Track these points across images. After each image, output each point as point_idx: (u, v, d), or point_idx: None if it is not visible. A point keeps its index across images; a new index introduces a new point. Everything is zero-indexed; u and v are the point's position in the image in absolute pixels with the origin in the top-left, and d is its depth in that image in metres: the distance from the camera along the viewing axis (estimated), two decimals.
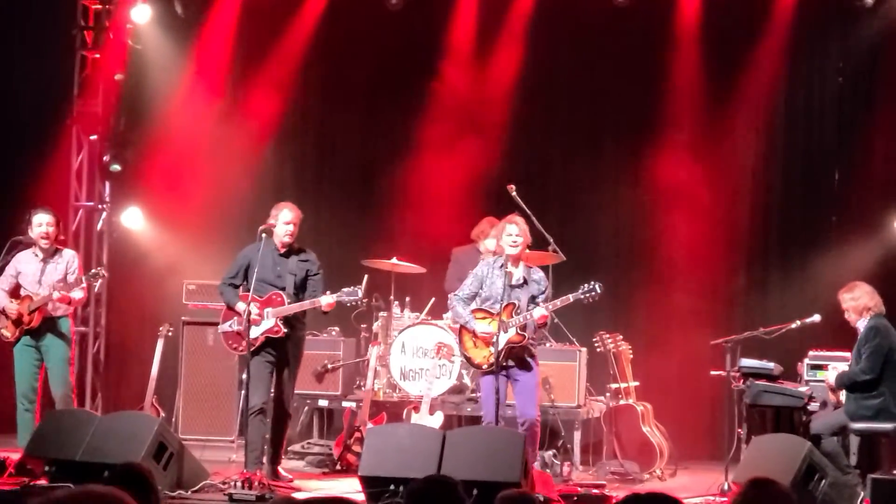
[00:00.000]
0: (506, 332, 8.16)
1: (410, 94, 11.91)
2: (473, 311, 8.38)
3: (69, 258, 9.29)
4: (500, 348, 8.13)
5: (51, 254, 9.21)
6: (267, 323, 8.52)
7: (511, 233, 8.29)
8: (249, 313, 8.37)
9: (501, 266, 8.34)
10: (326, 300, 8.47)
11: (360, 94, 12.16)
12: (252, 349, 8.48)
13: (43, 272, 9.16)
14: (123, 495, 2.38)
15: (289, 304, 8.52)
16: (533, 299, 8.29)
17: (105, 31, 11.60)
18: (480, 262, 10.02)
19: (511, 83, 11.82)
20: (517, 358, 8.27)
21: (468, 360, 8.54)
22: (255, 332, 8.50)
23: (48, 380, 9.11)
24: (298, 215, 8.74)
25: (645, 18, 11.69)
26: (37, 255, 9.20)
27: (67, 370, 9.20)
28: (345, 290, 8.62)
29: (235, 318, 8.62)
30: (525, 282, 8.31)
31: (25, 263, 9.21)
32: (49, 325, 9.11)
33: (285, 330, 8.55)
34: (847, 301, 8.81)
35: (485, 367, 8.30)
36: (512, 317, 8.20)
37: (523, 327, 8.21)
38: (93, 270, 9.49)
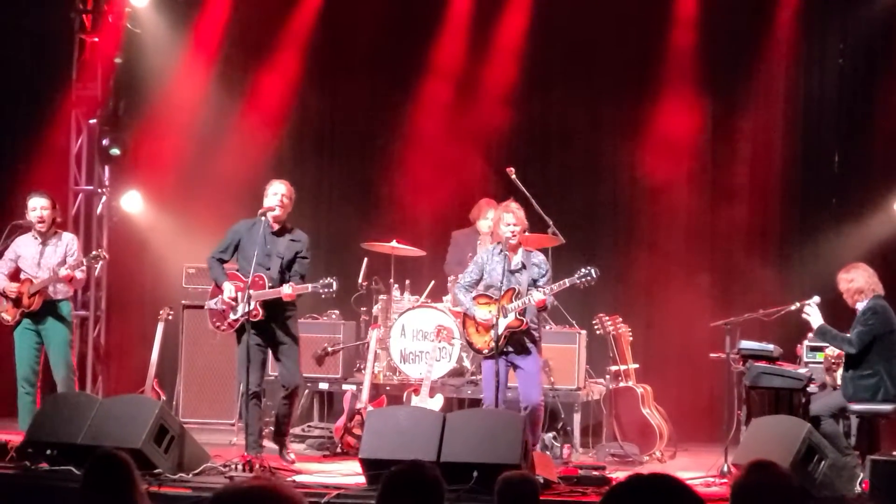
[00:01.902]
0: (505, 316, 8.28)
1: (410, 79, 11.90)
2: (476, 298, 8.52)
3: (68, 241, 9.32)
4: (499, 333, 8.26)
5: (50, 237, 9.23)
6: (246, 306, 8.39)
7: (508, 222, 8.38)
8: (237, 299, 8.39)
9: (500, 252, 8.45)
10: (286, 290, 8.39)
11: (359, 78, 12.14)
12: (235, 330, 8.53)
13: (42, 255, 9.19)
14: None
15: (269, 287, 8.44)
16: (534, 283, 8.39)
17: (103, 15, 11.56)
18: (479, 247, 10.08)
19: (510, 65, 11.81)
20: (518, 343, 8.38)
21: (470, 345, 8.75)
22: (235, 314, 8.50)
23: (49, 363, 9.14)
24: (290, 190, 8.65)
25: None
26: (36, 239, 9.22)
27: (69, 353, 9.24)
28: (320, 281, 8.52)
29: (220, 296, 8.64)
30: (524, 266, 8.42)
31: (25, 247, 9.23)
32: (49, 308, 9.13)
33: (264, 313, 8.44)
34: (843, 281, 8.81)
35: (485, 351, 8.47)
36: (512, 301, 8.31)
37: (522, 311, 8.32)
38: (93, 252, 9.52)
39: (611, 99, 11.83)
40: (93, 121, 11.70)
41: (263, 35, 12.08)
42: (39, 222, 9.17)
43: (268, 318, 8.49)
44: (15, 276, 9.20)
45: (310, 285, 8.49)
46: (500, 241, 8.51)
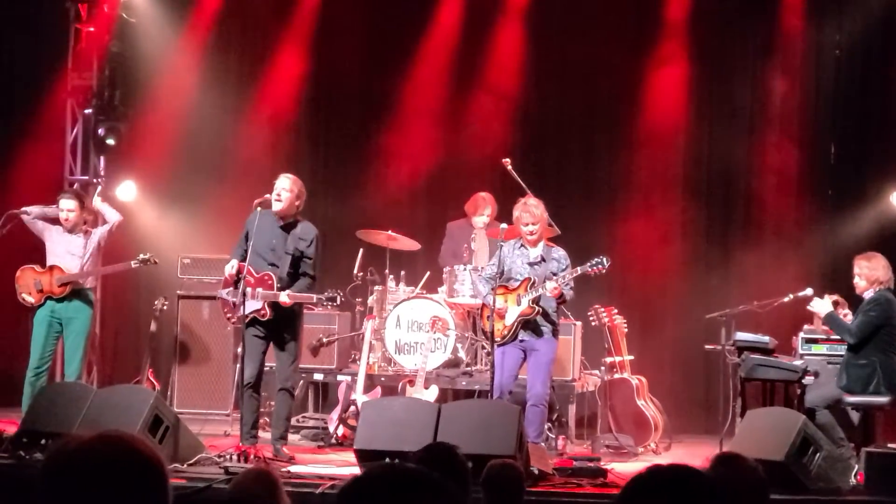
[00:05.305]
0: (519, 304, 8.52)
1: (404, 71, 11.90)
2: (494, 289, 8.62)
3: (97, 234, 9.58)
4: (511, 322, 8.52)
5: (78, 232, 9.47)
6: (255, 304, 8.30)
7: (526, 221, 8.61)
8: (245, 294, 8.23)
9: (521, 246, 8.69)
10: (282, 298, 8.25)
11: (355, 69, 12.12)
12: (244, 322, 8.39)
13: (70, 245, 9.40)
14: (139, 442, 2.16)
15: (278, 287, 8.30)
16: (554, 276, 8.53)
17: (98, 4, 11.54)
18: (472, 240, 10.13)
19: (505, 58, 11.81)
20: (534, 329, 8.55)
21: (485, 333, 8.93)
22: (242, 311, 8.26)
23: (65, 349, 9.25)
24: (293, 184, 8.46)
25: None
26: (66, 231, 9.45)
27: (86, 344, 9.45)
28: (326, 293, 8.43)
29: (233, 288, 8.51)
30: (543, 259, 8.64)
31: (56, 234, 9.41)
32: (75, 295, 9.34)
33: (272, 312, 8.33)
34: (863, 267, 8.73)
35: (498, 339, 8.61)
36: (528, 291, 8.51)
37: (536, 300, 8.47)
38: (141, 256, 9.55)
39: (607, 94, 11.82)
40: (88, 110, 11.67)
41: (259, 24, 12.05)
42: (65, 221, 9.41)
43: (275, 318, 8.38)
44: (41, 261, 9.41)
45: (315, 296, 8.42)
46: (520, 236, 8.68)
